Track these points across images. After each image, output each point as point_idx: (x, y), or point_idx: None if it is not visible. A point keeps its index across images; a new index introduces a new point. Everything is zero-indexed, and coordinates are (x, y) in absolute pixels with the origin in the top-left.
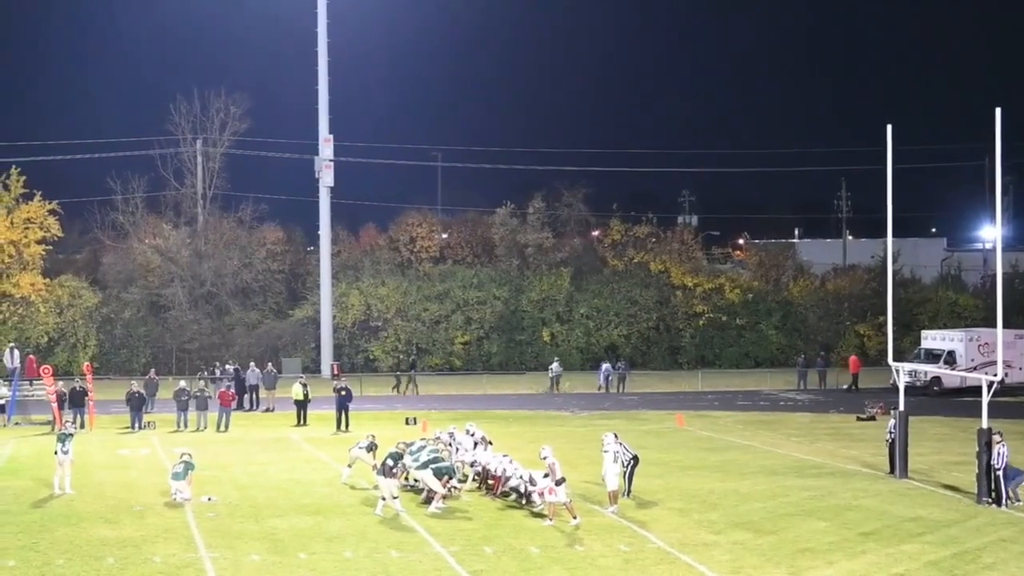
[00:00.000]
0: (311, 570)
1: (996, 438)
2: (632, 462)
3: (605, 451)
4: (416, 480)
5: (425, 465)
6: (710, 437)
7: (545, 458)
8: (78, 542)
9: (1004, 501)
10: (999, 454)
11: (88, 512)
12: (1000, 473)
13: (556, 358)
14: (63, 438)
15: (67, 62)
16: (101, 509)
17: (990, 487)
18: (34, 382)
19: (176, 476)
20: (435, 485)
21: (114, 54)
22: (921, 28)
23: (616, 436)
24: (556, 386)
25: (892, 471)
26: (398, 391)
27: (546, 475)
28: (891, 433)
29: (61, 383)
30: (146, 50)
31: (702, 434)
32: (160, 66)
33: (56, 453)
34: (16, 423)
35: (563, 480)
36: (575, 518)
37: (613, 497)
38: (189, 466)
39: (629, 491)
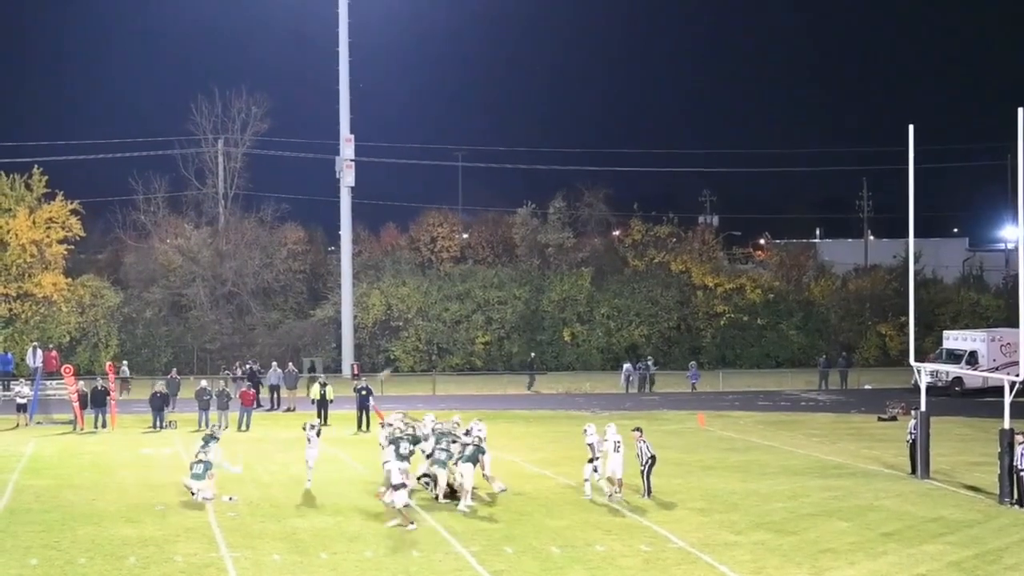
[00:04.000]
0: (332, 570)
1: (1019, 438)
2: (650, 461)
3: (605, 439)
4: (427, 477)
5: (470, 458)
6: (731, 437)
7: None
8: (100, 541)
9: None
10: (1022, 455)
11: (110, 511)
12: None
13: (631, 357)
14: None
15: (88, 62)
16: (123, 508)
17: (1012, 488)
18: (54, 379)
19: (196, 476)
20: (470, 481)
21: (135, 54)
22: (943, 27)
23: (640, 431)
24: (641, 385)
25: (913, 472)
26: (531, 389)
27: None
28: (912, 433)
29: (83, 382)
30: (167, 50)
31: (723, 434)
32: (181, 66)
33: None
34: (38, 422)
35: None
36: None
37: (619, 484)
38: (207, 465)
39: (648, 491)
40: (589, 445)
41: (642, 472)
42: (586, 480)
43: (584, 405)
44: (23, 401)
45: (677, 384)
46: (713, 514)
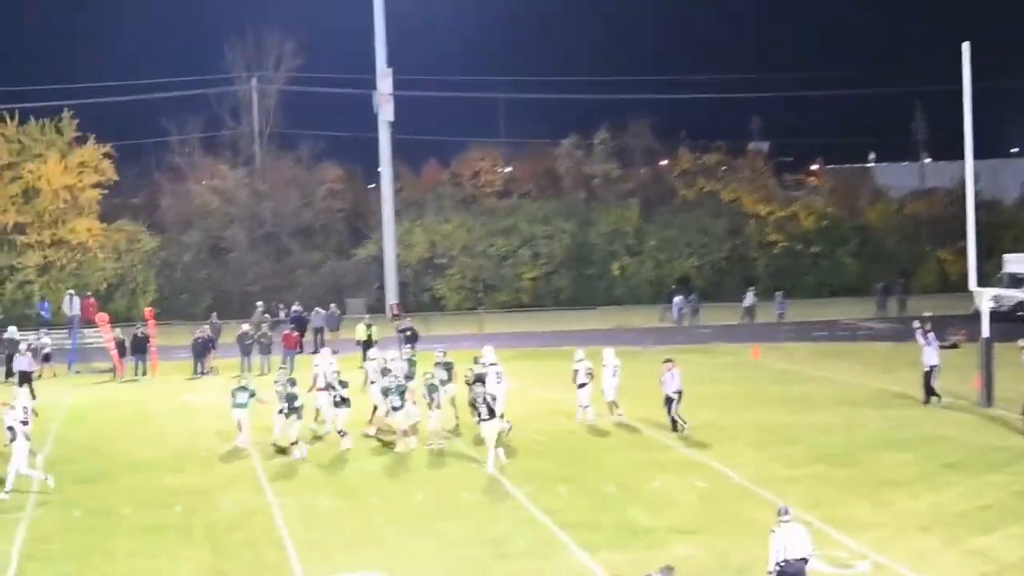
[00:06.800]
0: (383, 514)
1: None
2: (676, 396)
3: (604, 365)
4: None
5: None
6: (787, 369)
7: None
8: (144, 491)
9: None
10: None
11: (153, 460)
12: None
13: (751, 288)
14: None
15: (116, 1)
16: (166, 457)
17: None
18: (93, 327)
19: (238, 406)
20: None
21: None
22: None
23: (671, 362)
24: (751, 316)
25: (927, 401)
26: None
27: None
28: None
29: (119, 330)
30: None
31: (778, 366)
32: (212, 2)
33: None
34: (77, 372)
35: None
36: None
37: (612, 407)
38: (250, 393)
39: (674, 426)
40: (574, 370)
41: (667, 406)
42: (586, 407)
43: (635, 340)
44: (48, 351)
45: (728, 316)
46: (769, 448)
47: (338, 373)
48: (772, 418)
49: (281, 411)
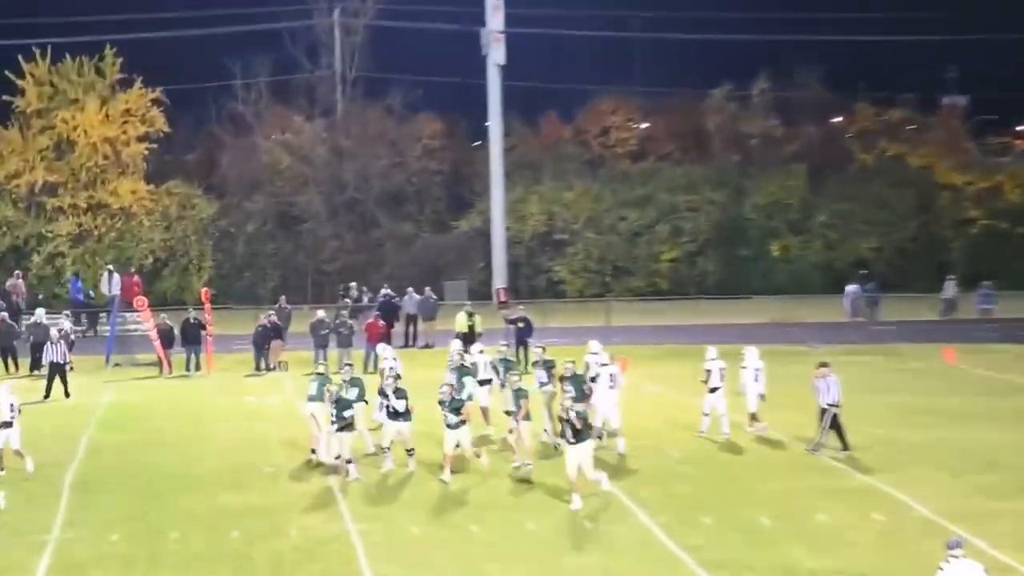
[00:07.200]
0: (487, 546)
1: None
2: (832, 409)
3: (744, 367)
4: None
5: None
6: (989, 377)
7: None
8: (196, 511)
9: None
10: None
11: (208, 474)
12: None
13: (951, 276)
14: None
15: None
16: (223, 470)
17: None
18: (133, 312)
19: (312, 398)
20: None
21: None
22: None
23: (827, 367)
24: (952, 310)
25: None
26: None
27: None
28: None
29: (164, 315)
30: None
31: (978, 373)
32: None
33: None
34: (116, 364)
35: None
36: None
37: (754, 417)
38: (324, 380)
39: (843, 445)
40: (706, 371)
41: (824, 422)
42: (705, 415)
43: (799, 337)
44: (72, 337)
45: (915, 310)
46: (967, 475)
47: (398, 378)
48: (971, 437)
49: (332, 420)
